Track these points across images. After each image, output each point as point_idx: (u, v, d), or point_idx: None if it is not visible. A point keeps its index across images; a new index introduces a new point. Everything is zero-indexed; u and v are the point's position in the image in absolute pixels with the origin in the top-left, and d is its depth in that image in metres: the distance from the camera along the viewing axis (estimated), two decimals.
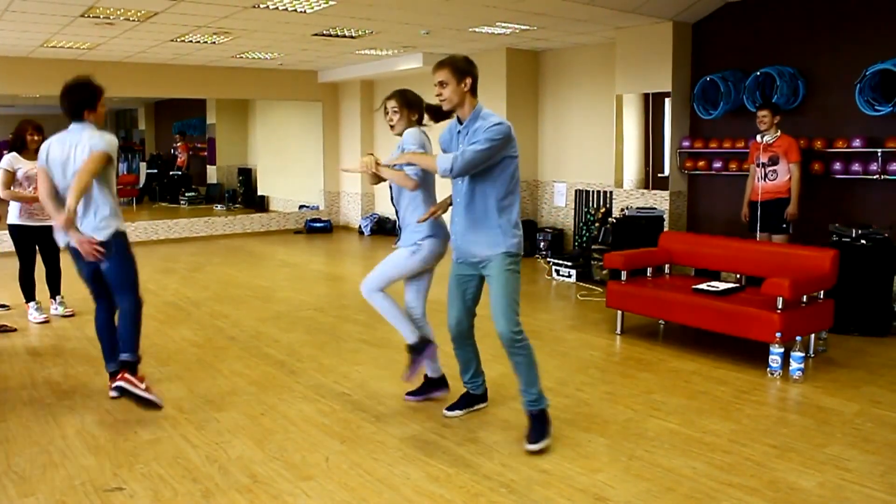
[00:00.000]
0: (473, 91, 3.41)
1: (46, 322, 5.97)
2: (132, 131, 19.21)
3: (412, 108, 3.88)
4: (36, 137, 5.77)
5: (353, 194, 12.72)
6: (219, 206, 14.62)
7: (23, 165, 5.73)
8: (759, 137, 6.21)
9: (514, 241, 3.45)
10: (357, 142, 12.42)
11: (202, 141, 16.18)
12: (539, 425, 3.51)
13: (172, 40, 8.40)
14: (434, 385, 4.16)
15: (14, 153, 5.76)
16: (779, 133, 6.11)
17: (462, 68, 3.37)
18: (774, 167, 6.12)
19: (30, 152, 5.74)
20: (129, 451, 3.47)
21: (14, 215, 5.81)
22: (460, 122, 3.47)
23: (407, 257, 3.84)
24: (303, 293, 7.24)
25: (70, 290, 6.52)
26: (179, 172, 16.20)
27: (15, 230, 5.85)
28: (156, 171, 16.85)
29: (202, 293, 7.21)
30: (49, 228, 5.80)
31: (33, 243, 5.91)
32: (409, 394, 4.18)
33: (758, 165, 6.22)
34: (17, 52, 9.17)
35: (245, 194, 14.75)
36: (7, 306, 5.69)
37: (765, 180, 6.19)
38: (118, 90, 10.59)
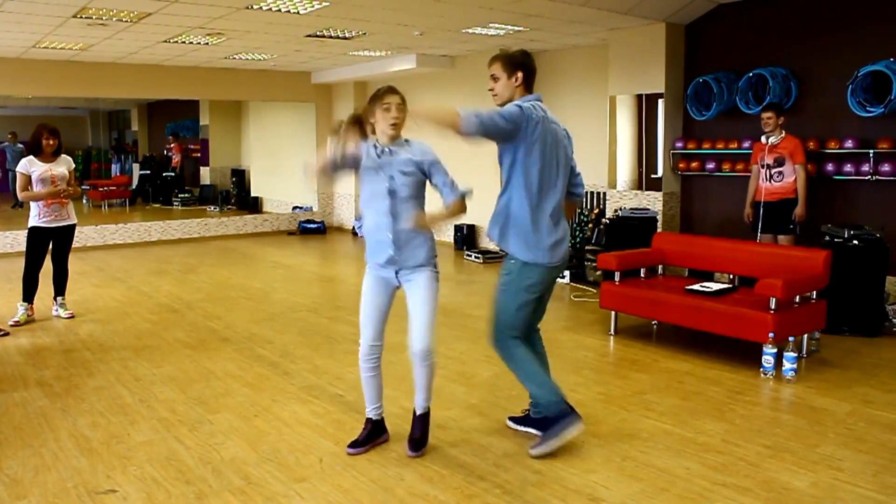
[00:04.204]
0: (528, 86, 3.22)
1: (17, 325, 5.92)
2: (125, 132, 19.12)
3: None
4: (51, 141, 5.87)
5: (346, 196, 12.71)
6: (212, 207, 14.57)
7: (37, 168, 5.82)
8: (763, 138, 6.17)
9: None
10: None
11: (195, 142, 16.13)
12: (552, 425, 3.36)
13: (165, 41, 8.38)
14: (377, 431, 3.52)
15: (31, 156, 5.88)
16: (784, 134, 6.08)
17: (515, 61, 3.18)
18: (780, 168, 6.09)
19: (45, 155, 5.86)
20: (122, 453, 3.46)
21: (34, 217, 5.91)
22: None
23: (436, 287, 3.35)
24: (296, 294, 7.23)
25: (71, 293, 6.55)
26: (172, 174, 16.14)
27: (33, 232, 5.93)
28: (149, 172, 16.77)
29: (195, 295, 7.18)
30: (63, 229, 5.98)
31: (47, 245, 5.99)
32: (350, 446, 3.46)
33: (761, 166, 6.20)
34: (9, 52, 9.12)
35: (238, 196, 14.71)
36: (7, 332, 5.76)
37: (770, 181, 6.15)
38: (111, 91, 10.57)
